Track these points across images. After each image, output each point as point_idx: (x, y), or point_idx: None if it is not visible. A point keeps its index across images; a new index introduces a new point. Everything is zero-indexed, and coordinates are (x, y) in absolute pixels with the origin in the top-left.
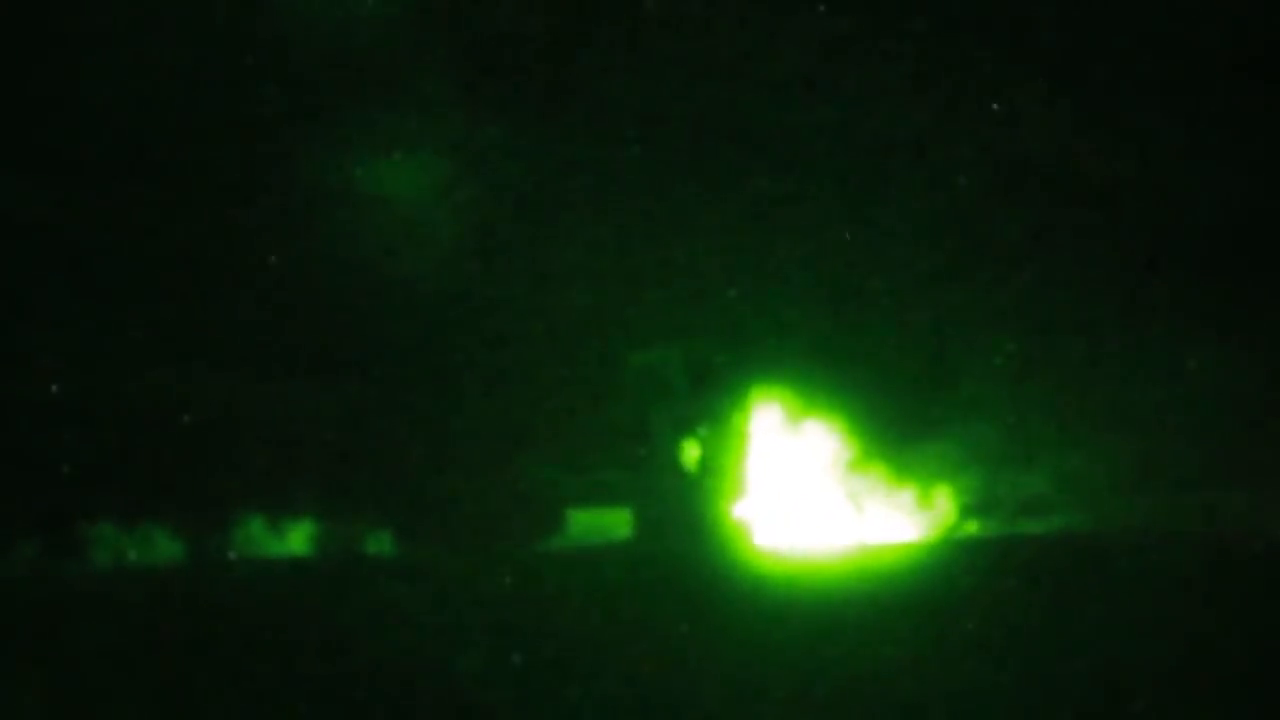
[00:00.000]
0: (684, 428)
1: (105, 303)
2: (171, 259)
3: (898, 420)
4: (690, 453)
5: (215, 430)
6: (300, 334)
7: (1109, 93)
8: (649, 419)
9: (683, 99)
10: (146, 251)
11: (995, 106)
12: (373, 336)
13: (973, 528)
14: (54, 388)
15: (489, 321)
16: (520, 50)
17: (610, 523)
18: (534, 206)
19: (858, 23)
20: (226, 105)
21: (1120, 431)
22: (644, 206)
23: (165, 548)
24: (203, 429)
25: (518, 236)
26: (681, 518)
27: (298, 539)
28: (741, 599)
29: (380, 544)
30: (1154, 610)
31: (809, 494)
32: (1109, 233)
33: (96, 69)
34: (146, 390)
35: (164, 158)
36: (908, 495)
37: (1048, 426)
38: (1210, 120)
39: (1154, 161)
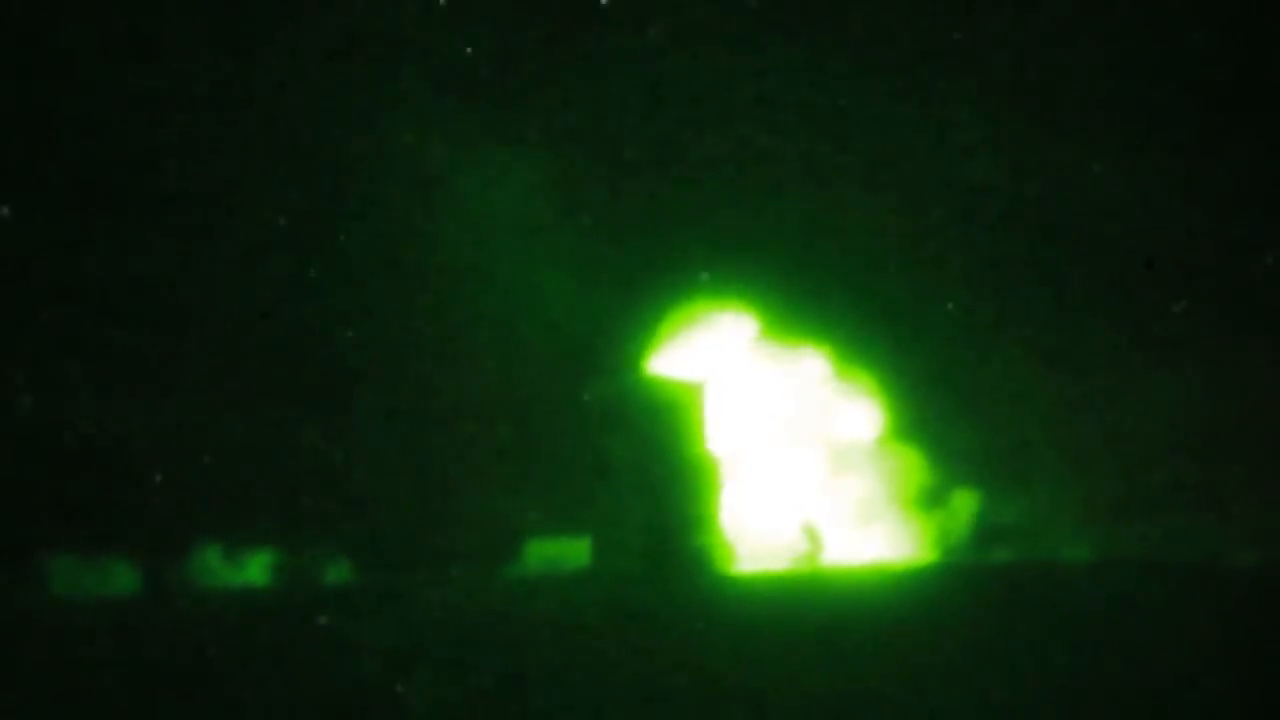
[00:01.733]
0: (642, 456)
1: (62, 336)
2: (130, 294)
3: (866, 446)
4: (649, 482)
5: (173, 462)
6: (259, 366)
7: (1070, 124)
8: (606, 449)
9: (645, 132)
10: (104, 285)
11: (956, 136)
12: (332, 369)
13: (940, 554)
14: (11, 421)
15: (447, 352)
16: (486, 87)
17: (568, 551)
18: (494, 238)
19: (822, 54)
20: (181, 145)
21: (1082, 460)
22: (606, 237)
23: (123, 579)
24: (160, 461)
25: (477, 268)
26: (640, 546)
27: (255, 569)
28: (702, 627)
29: (339, 572)
30: (1125, 637)
31: (771, 521)
32: (1068, 263)
33: (41, 101)
34: (103, 423)
35: (123, 196)
36: (877, 520)
37: (1016, 454)
38: (1169, 152)
39: (1117, 193)
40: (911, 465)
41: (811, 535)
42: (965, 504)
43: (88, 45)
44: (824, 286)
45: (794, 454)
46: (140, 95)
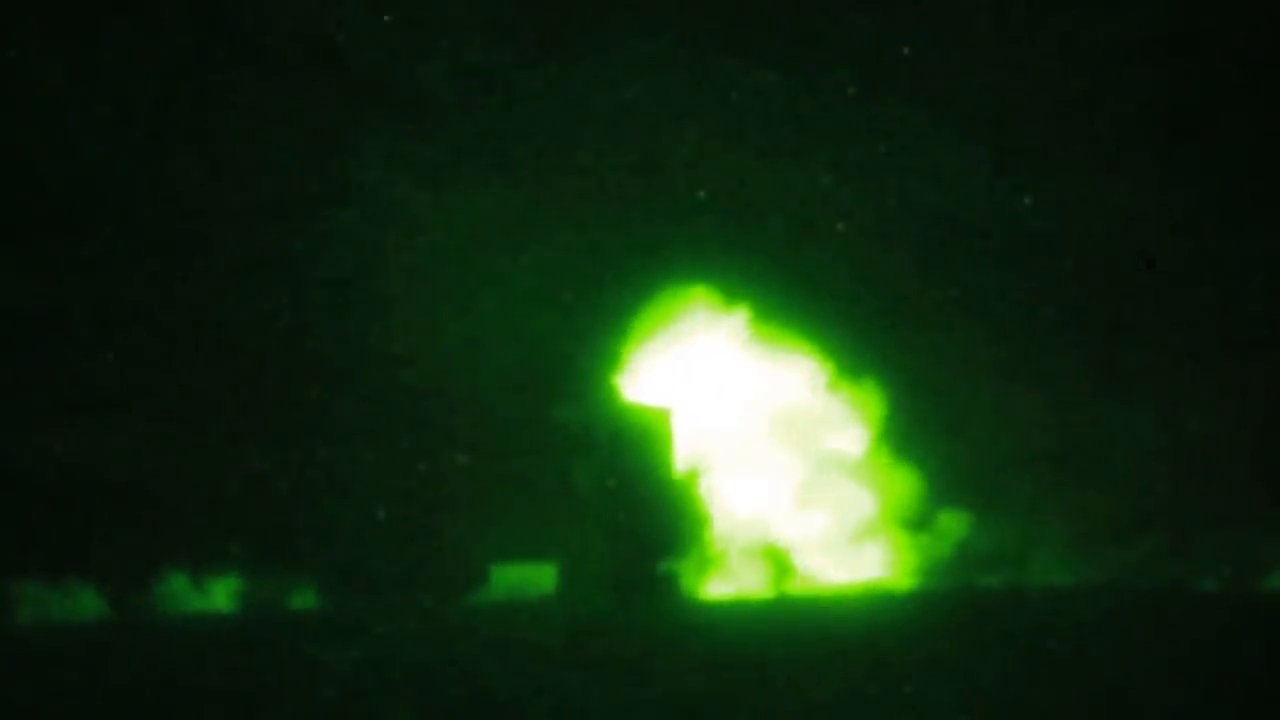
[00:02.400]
0: (607, 483)
1: (26, 362)
2: (95, 320)
3: (836, 469)
4: (614, 508)
5: (139, 488)
6: (225, 394)
7: (1031, 150)
8: (572, 474)
9: (618, 156)
10: (66, 312)
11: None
12: (297, 395)
13: (910, 579)
14: None
15: (414, 378)
16: (454, 109)
17: (534, 578)
18: (460, 263)
19: (787, 79)
20: (138, 171)
21: (1050, 486)
22: (574, 262)
23: (89, 604)
24: (127, 486)
25: (443, 293)
26: (607, 573)
27: (221, 595)
28: (668, 653)
29: (304, 599)
30: (1093, 662)
31: (740, 547)
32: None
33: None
34: (69, 448)
35: (84, 225)
36: (845, 545)
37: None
38: (1129, 177)
39: (1084, 217)
40: (883, 489)
41: (780, 561)
42: (934, 528)
43: (53, 71)
44: (800, 308)
45: (765, 477)
46: (106, 123)
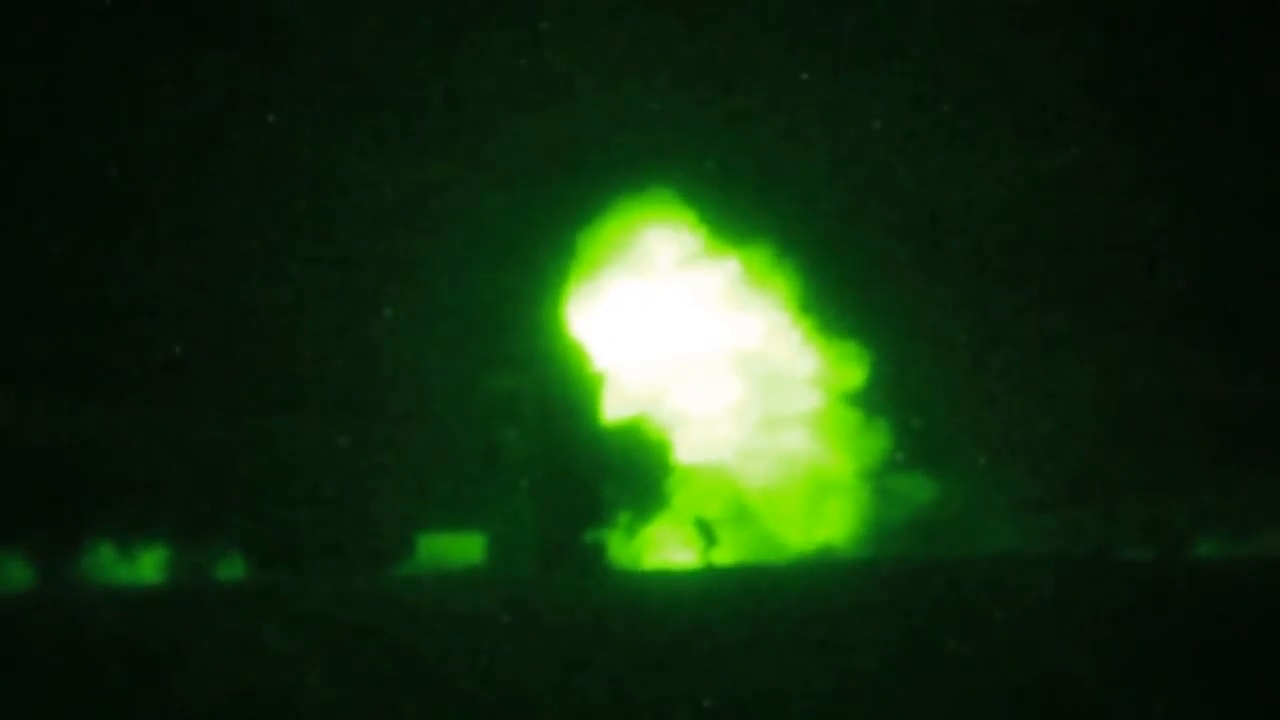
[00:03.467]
0: (534, 451)
1: None
2: (17, 290)
3: (771, 435)
4: (541, 476)
5: (66, 456)
6: (152, 361)
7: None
8: (500, 442)
9: (551, 122)
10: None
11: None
12: (223, 362)
13: (837, 547)
14: None
15: (340, 345)
16: (383, 78)
17: (461, 547)
18: (388, 228)
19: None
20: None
21: (980, 453)
22: (498, 228)
23: (16, 573)
24: (54, 455)
25: (373, 259)
26: (535, 543)
27: (149, 564)
28: (595, 623)
29: (231, 569)
30: (1019, 631)
31: (669, 516)
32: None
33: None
34: None
35: (28, 193)
36: (777, 513)
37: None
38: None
39: (1023, 186)
40: (821, 456)
41: (708, 530)
42: (867, 496)
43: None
44: (759, 273)
45: (697, 443)
46: (101, 107)
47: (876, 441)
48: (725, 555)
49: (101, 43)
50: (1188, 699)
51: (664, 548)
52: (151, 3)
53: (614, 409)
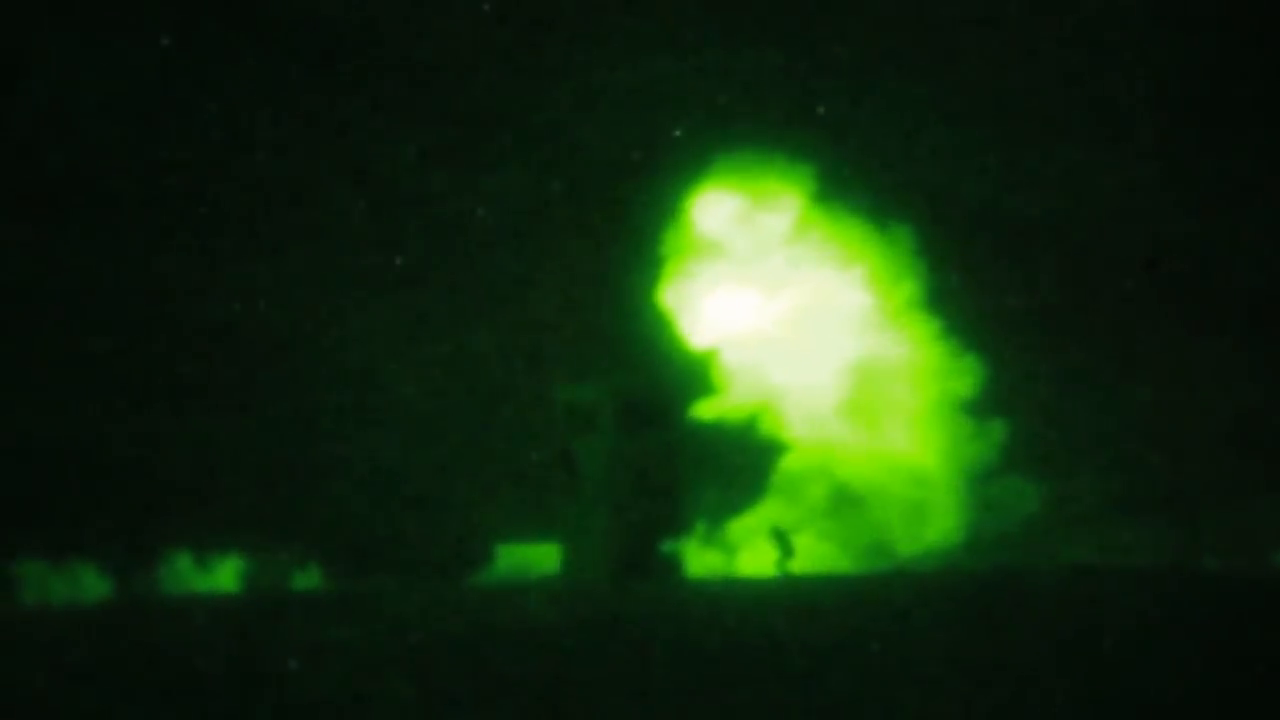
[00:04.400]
0: (611, 462)
1: (31, 343)
2: (101, 300)
3: (834, 454)
4: (617, 486)
5: (143, 467)
6: (229, 373)
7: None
8: (576, 454)
9: (628, 131)
10: (72, 292)
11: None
12: (302, 375)
13: (910, 560)
14: None
15: (418, 358)
16: (438, 83)
17: (537, 557)
18: (464, 242)
19: (791, 56)
20: (137, 153)
21: (1055, 465)
22: (579, 241)
23: (92, 585)
24: (130, 466)
25: (449, 273)
26: (610, 552)
27: (225, 575)
28: (670, 633)
29: (308, 579)
30: (1095, 642)
31: (743, 527)
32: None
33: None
34: (73, 428)
35: (87, 204)
36: (848, 528)
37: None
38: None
39: (1085, 197)
40: (882, 475)
41: (785, 540)
42: (938, 510)
43: (60, 59)
44: (848, 277)
45: (767, 458)
46: (112, 106)
47: (961, 449)
48: (803, 564)
49: (171, 53)
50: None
51: (739, 558)
52: (220, 15)
53: (692, 418)
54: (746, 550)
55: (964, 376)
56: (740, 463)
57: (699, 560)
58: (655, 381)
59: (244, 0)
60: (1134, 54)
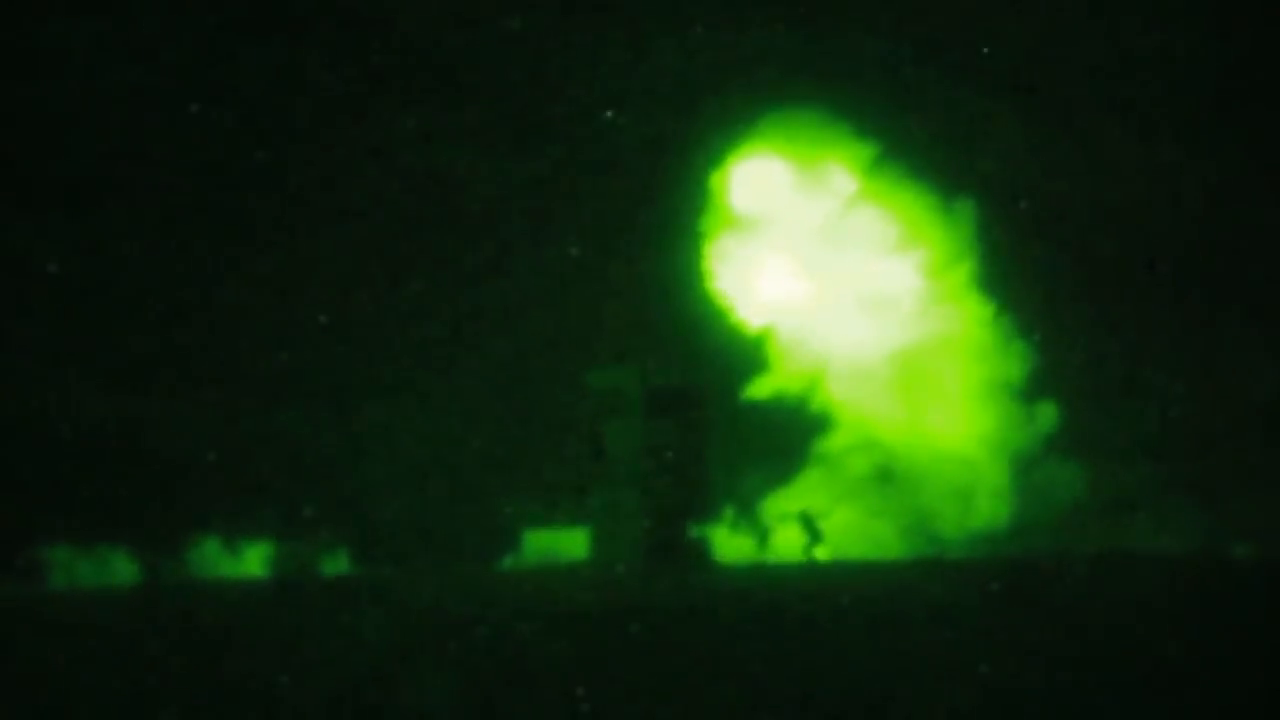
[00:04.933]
0: (640, 447)
1: (61, 330)
2: (130, 288)
3: (860, 445)
4: (647, 472)
5: (172, 453)
6: (257, 361)
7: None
8: (605, 439)
9: (648, 122)
10: (102, 281)
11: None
12: (329, 362)
13: (937, 548)
14: (10, 413)
15: (446, 344)
16: (477, 77)
17: (566, 543)
18: (490, 231)
19: (830, 47)
20: (173, 145)
21: (1078, 453)
22: (607, 228)
23: (121, 570)
24: (159, 451)
25: (474, 261)
26: (638, 537)
27: (254, 560)
28: (699, 618)
29: (336, 564)
30: (1120, 629)
31: (770, 513)
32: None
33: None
34: (103, 415)
35: (118, 193)
36: (878, 513)
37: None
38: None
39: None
40: (908, 463)
41: (810, 527)
42: (967, 500)
43: (75, 46)
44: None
45: (801, 441)
46: (135, 96)
47: (1002, 433)
48: (843, 547)
49: (211, 48)
50: None
51: (766, 543)
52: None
53: (722, 402)
54: (776, 535)
55: (1004, 360)
56: (770, 447)
57: (728, 545)
58: (685, 367)
59: None
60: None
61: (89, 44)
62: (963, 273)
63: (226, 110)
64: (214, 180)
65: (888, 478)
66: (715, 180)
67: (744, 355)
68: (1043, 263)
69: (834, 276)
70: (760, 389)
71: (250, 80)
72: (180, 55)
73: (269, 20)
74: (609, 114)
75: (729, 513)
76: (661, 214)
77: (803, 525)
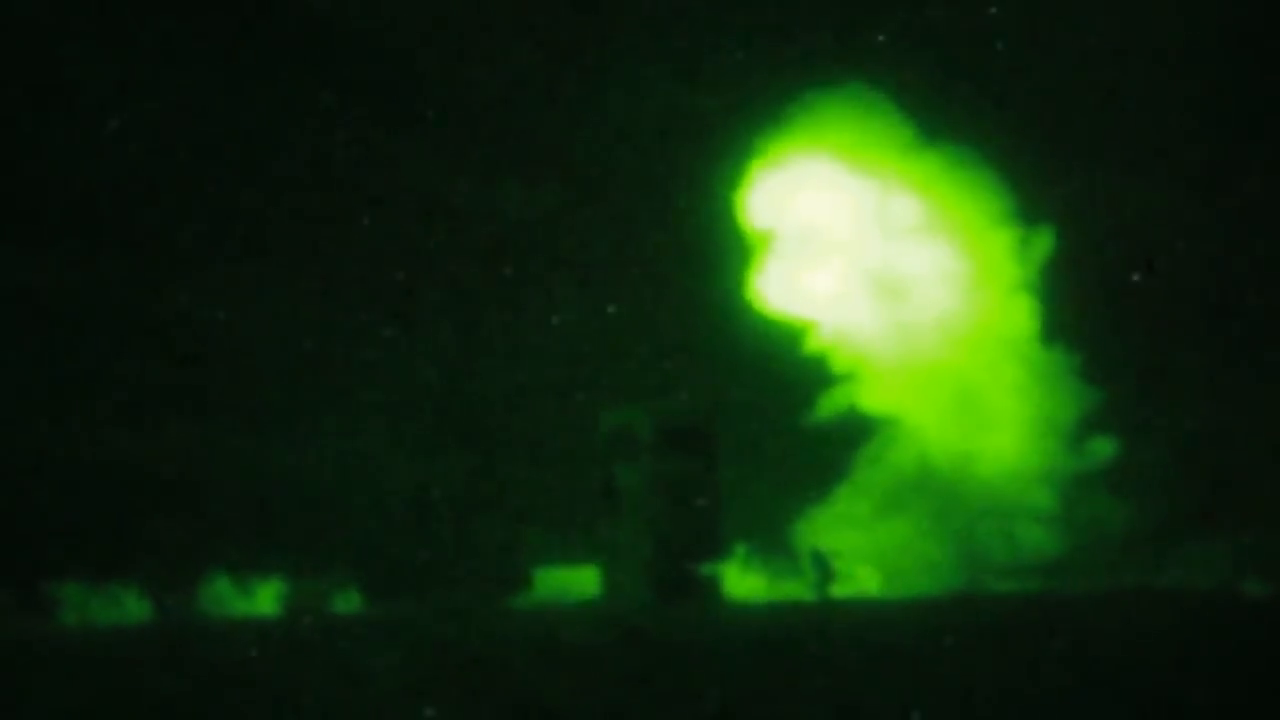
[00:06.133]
0: (652, 485)
1: (70, 363)
2: (137, 321)
3: (878, 477)
4: (658, 510)
5: (182, 489)
6: (267, 395)
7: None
8: (616, 476)
9: (662, 153)
10: (109, 313)
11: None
12: (340, 397)
13: (953, 584)
14: (19, 446)
15: (457, 380)
16: (487, 110)
17: (578, 581)
18: (502, 263)
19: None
20: (184, 171)
21: (1096, 488)
22: (619, 264)
23: (132, 607)
24: (170, 488)
25: (486, 295)
26: (650, 575)
27: (265, 597)
28: (710, 657)
29: (348, 602)
30: (1138, 666)
31: (782, 550)
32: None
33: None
34: (113, 449)
35: (127, 229)
36: (892, 549)
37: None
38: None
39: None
40: (927, 496)
41: (822, 564)
42: (975, 533)
43: (83, 72)
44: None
45: (807, 480)
46: (142, 128)
47: (983, 477)
48: (844, 588)
49: (215, 80)
50: None
51: (778, 581)
52: (268, 36)
53: (730, 442)
54: (790, 572)
55: (1036, 394)
56: (786, 481)
57: (740, 583)
58: (698, 403)
59: (273, 17)
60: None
61: (98, 80)
62: (1004, 296)
63: (235, 143)
64: (227, 213)
65: (906, 511)
66: (730, 211)
67: (762, 388)
68: (1096, 285)
69: (857, 304)
70: (778, 422)
71: (255, 113)
72: (184, 87)
73: (276, 52)
74: (619, 143)
75: (742, 549)
76: (675, 247)
77: (815, 562)
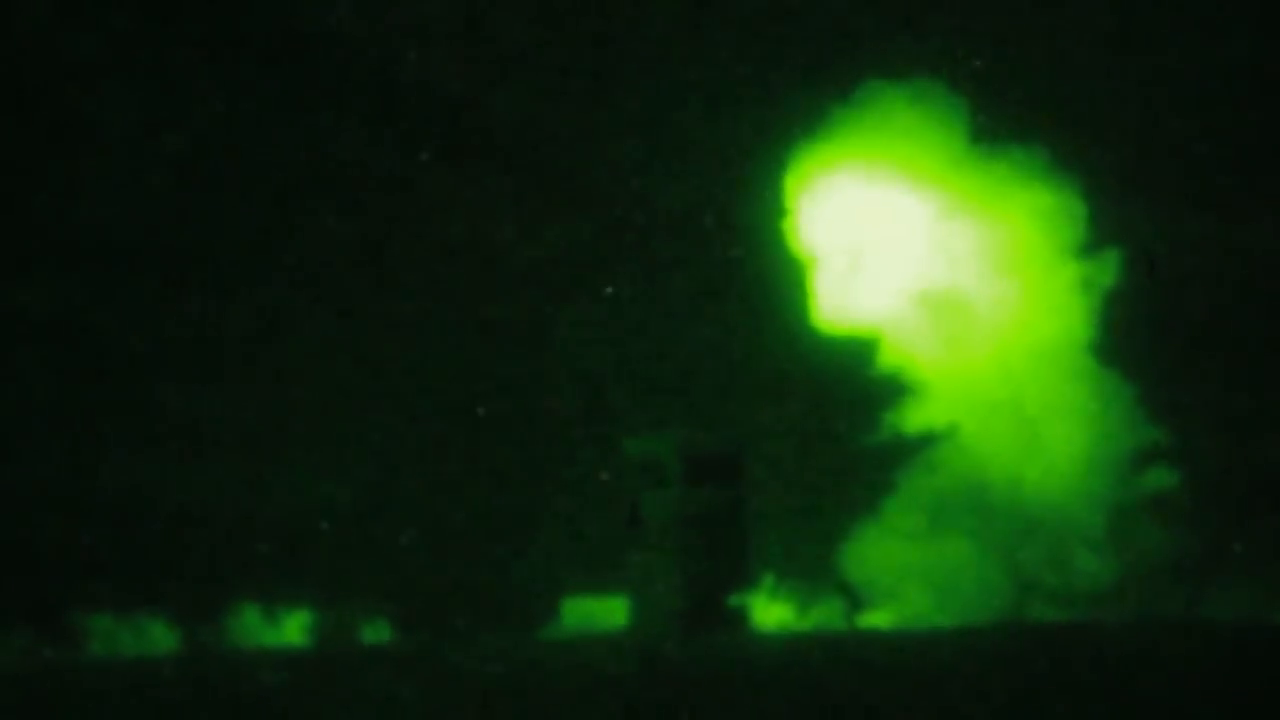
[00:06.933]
0: (680, 515)
1: (98, 394)
2: (167, 352)
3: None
4: (686, 540)
5: (210, 521)
6: (294, 426)
7: None
8: (644, 506)
9: (682, 184)
10: (141, 344)
11: None
12: (367, 428)
13: (980, 614)
14: (49, 479)
15: (484, 412)
16: (518, 140)
17: (605, 611)
18: (527, 293)
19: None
20: (203, 204)
21: (1121, 520)
22: (643, 293)
23: (160, 638)
24: (198, 520)
25: (512, 326)
26: (677, 605)
27: (293, 628)
28: (737, 689)
29: (377, 633)
30: (1164, 699)
31: (810, 580)
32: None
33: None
34: (142, 481)
35: (149, 259)
36: (918, 581)
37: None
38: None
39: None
40: (976, 517)
41: (850, 594)
42: (1003, 564)
43: (98, 101)
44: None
45: (835, 509)
46: (158, 155)
47: (1000, 507)
48: (873, 620)
49: (243, 117)
50: None
51: (806, 612)
52: (291, 69)
53: (758, 473)
54: (816, 604)
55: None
56: (814, 509)
57: (768, 613)
58: (724, 432)
59: (300, 51)
60: None
61: (120, 112)
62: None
63: (261, 180)
64: (251, 248)
65: (955, 531)
66: (761, 235)
67: (792, 414)
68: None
69: (900, 323)
70: (808, 448)
71: (282, 149)
72: (212, 125)
73: (303, 88)
74: (646, 178)
75: (770, 579)
76: (703, 278)
77: (843, 592)
